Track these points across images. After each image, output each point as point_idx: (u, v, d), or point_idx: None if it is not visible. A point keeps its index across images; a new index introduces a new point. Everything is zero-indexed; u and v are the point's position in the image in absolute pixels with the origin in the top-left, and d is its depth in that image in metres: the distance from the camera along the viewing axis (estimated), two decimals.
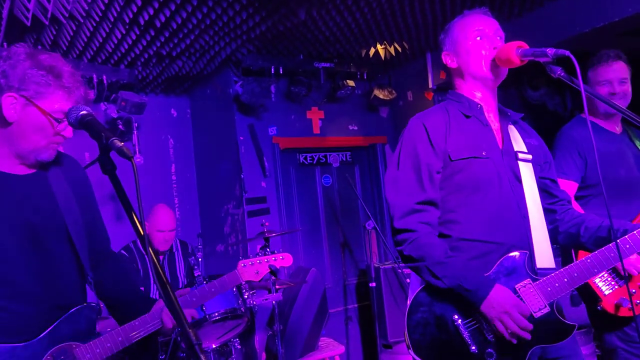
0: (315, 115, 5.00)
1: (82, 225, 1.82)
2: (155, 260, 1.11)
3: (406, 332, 1.75)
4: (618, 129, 2.67)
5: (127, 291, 1.98)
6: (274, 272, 2.29)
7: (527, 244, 1.78)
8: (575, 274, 1.74)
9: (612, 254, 1.74)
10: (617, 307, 2.31)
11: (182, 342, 3.29)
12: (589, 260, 1.74)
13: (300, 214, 5.00)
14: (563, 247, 2.24)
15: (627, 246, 1.75)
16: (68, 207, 1.77)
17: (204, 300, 2.04)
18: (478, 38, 1.85)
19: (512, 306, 1.65)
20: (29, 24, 3.21)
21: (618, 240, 1.72)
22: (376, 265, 4.47)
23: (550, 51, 1.62)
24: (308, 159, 5.07)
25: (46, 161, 1.74)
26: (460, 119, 1.87)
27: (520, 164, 1.85)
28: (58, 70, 1.64)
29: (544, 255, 1.80)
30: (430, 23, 4.01)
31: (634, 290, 2.33)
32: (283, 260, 2.39)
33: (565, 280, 1.73)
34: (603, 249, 1.76)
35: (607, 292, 2.33)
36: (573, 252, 2.38)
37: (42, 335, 1.66)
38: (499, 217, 1.78)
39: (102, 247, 1.97)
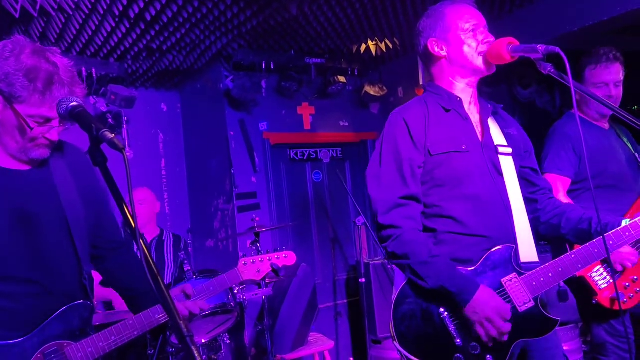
0: (306, 111, 5.00)
1: (84, 220, 1.79)
2: (147, 251, 1.11)
3: (392, 324, 1.76)
4: (606, 125, 2.70)
5: (140, 280, 1.94)
6: (276, 271, 2.21)
7: (511, 237, 1.79)
8: (560, 269, 1.76)
9: (596, 250, 1.76)
10: (612, 301, 2.35)
11: (173, 335, 3.28)
12: (573, 256, 1.77)
13: (290, 209, 5.00)
14: (545, 239, 2.26)
15: (610, 242, 1.77)
16: (70, 201, 1.75)
17: (201, 298, 1.97)
18: (472, 29, 1.84)
19: (494, 312, 1.65)
20: (17, 16, 3.17)
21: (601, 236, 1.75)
22: (366, 261, 4.48)
23: (541, 47, 1.63)
24: (299, 154, 5.07)
25: (39, 159, 1.70)
26: (439, 113, 1.86)
27: (501, 157, 1.86)
28: (34, 74, 1.55)
29: (527, 249, 1.81)
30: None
31: (627, 284, 2.37)
32: (286, 258, 2.30)
33: (550, 275, 1.75)
34: (588, 245, 1.77)
35: (602, 286, 2.36)
36: (568, 246, 2.41)
37: (32, 333, 1.64)
38: (482, 210, 1.78)
39: (111, 237, 1.94)
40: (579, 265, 1.76)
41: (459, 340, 1.71)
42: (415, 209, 1.81)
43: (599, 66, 2.60)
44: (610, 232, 1.78)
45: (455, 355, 1.70)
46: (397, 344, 1.74)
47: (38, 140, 1.64)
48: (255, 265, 2.19)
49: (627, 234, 1.77)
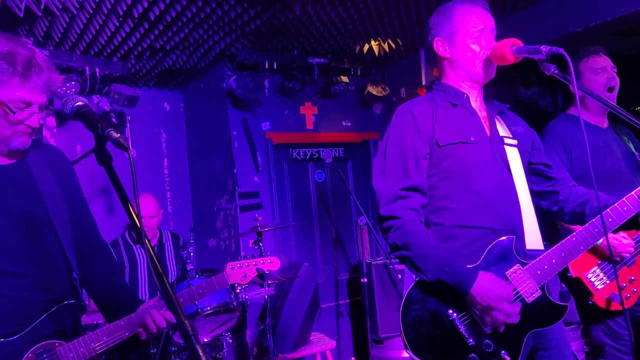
0: (309, 111, 5.00)
1: (68, 219, 1.77)
2: (152, 251, 1.11)
3: (402, 332, 1.74)
4: (604, 123, 2.72)
5: (117, 289, 1.93)
6: (261, 275, 2.28)
7: (518, 229, 1.79)
8: (563, 254, 1.75)
9: (597, 230, 1.76)
10: (609, 301, 2.34)
11: (177, 334, 3.29)
12: (574, 239, 1.76)
13: (292, 209, 5.00)
14: (569, 226, 2.27)
15: (610, 219, 1.77)
16: (52, 198, 1.73)
17: (192, 300, 2.02)
18: (478, 35, 1.84)
19: (495, 297, 1.64)
20: (21, 15, 3.17)
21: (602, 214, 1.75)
22: (368, 261, 4.48)
23: (545, 49, 1.64)
24: (301, 154, 5.07)
25: (20, 149, 1.68)
26: (447, 107, 1.88)
27: (507, 149, 1.86)
28: (13, 57, 1.56)
29: (533, 237, 1.82)
30: (424, 20, 4.01)
31: (624, 284, 2.37)
32: (271, 264, 2.35)
33: (554, 261, 1.74)
34: (587, 225, 1.77)
35: (599, 287, 2.36)
36: None
37: (24, 331, 1.62)
38: (491, 202, 1.78)
39: (91, 240, 1.92)
40: (581, 248, 1.76)
41: (471, 340, 1.69)
42: (417, 201, 1.80)
43: (592, 56, 2.66)
44: (608, 209, 1.77)
45: (470, 356, 1.69)
46: (410, 352, 1.72)
47: (19, 127, 1.63)
48: (242, 270, 2.23)
49: (625, 208, 1.77)
